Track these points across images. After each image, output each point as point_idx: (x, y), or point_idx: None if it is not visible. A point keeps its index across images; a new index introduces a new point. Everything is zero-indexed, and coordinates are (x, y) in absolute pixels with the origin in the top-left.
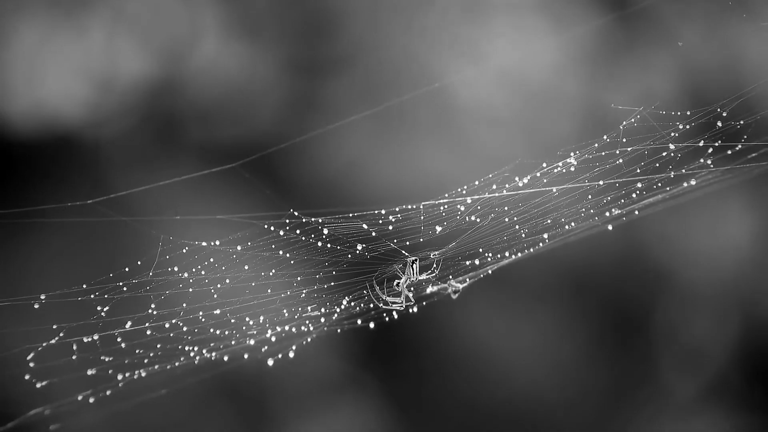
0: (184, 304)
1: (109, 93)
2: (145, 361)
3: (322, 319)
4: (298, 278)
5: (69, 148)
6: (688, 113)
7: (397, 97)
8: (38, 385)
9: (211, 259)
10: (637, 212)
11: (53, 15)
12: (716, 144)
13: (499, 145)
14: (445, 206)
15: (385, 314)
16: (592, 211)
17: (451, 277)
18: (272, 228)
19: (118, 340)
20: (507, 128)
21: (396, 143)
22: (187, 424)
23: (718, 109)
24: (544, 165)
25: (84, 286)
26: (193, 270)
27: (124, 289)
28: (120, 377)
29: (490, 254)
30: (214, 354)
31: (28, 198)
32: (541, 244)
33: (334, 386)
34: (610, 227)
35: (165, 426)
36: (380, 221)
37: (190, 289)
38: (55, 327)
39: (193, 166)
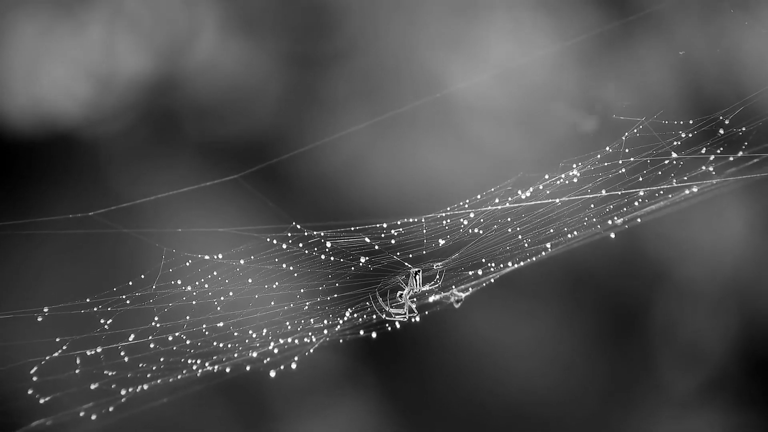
0: (188, 317)
1: (107, 90)
2: (148, 375)
3: (325, 331)
4: (301, 290)
5: (67, 147)
6: (691, 122)
7: (396, 94)
8: (41, 401)
9: (215, 273)
10: (639, 220)
11: (52, 12)
12: (718, 152)
13: (499, 144)
14: (448, 220)
15: (387, 324)
16: (594, 219)
17: (453, 286)
18: (275, 241)
19: (122, 353)
20: (507, 127)
21: (396, 144)
22: (186, 422)
23: (720, 117)
24: (547, 177)
25: (87, 300)
26: (197, 283)
27: (128, 302)
28: (123, 392)
29: (493, 264)
30: (216, 367)
31: (26, 197)
32: (543, 253)
33: (335, 384)
34: (612, 235)
35: (163, 421)
36: (383, 234)
37: (194, 302)
38: (58, 340)
39: (193, 165)
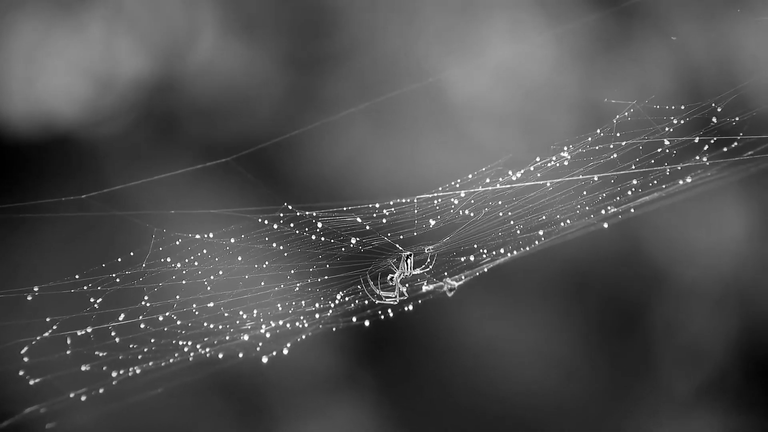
0: (178, 297)
1: (107, 91)
2: (139, 357)
3: (317, 315)
4: (292, 271)
5: (67, 148)
6: (683, 107)
7: (393, 92)
8: (31, 383)
9: (204, 251)
10: (633, 210)
11: (51, 12)
12: (712, 140)
13: (494, 140)
14: (439, 200)
15: (380, 312)
16: (587, 207)
17: (446, 274)
18: (266, 221)
19: (112, 334)
20: (502, 123)
21: (391, 138)
22: (182, 419)
23: (713, 104)
24: (538, 159)
25: (77, 276)
26: (186, 261)
27: (117, 280)
28: (114, 374)
29: (485, 250)
30: (208, 351)
31: (25, 197)
32: (536, 242)
33: (330, 382)
34: (605, 225)
35: (161, 422)
36: (374, 215)
37: (184, 281)
38: (48, 320)
39: (192, 163)
